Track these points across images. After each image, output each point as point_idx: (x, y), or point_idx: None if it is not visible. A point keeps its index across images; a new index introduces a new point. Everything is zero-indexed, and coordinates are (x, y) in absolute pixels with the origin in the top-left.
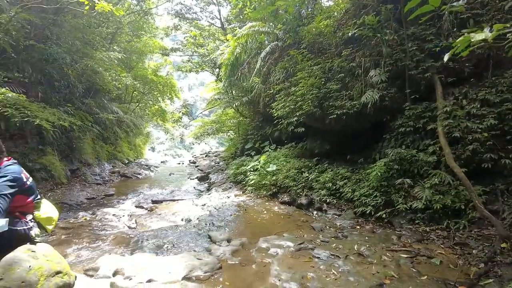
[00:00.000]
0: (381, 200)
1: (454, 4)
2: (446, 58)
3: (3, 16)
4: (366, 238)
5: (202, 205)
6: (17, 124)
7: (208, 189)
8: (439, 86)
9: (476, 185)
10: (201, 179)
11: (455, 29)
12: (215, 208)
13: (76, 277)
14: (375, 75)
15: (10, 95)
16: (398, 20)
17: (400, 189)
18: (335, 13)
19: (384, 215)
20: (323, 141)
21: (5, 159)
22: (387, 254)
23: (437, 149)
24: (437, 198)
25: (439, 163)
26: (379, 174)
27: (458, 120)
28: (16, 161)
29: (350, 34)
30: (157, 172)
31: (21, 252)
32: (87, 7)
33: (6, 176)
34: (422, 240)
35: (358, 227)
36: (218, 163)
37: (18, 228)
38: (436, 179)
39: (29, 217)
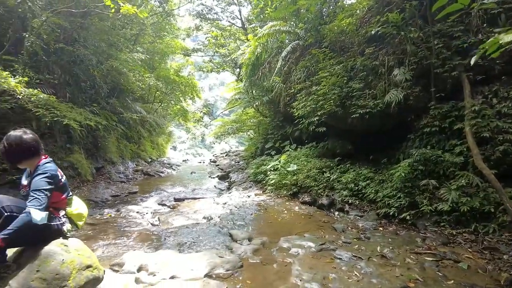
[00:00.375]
0: (405, 202)
1: (485, 1)
2: (473, 60)
3: (35, 21)
4: (389, 240)
5: (223, 204)
6: (47, 124)
7: (229, 188)
8: (467, 84)
9: (507, 188)
10: (221, 178)
11: (485, 24)
12: (235, 207)
13: (104, 271)
14: (399, 74)
15: (41, 96)
16: (423, 17)
17: (425, 190)
18: (358, 11)
19: (408, 217)
20: (345, 141)
21: (43, 157)
22: (411, 256)
23: (464, 149)
24: (464, 200)
25: (466, 164)
26: (403, 174)
27: (487, 120)
28: (51, 159)
29: (373, 32)
30: (179, 171)
31: (55, 246)
32: (112, 10)
33: (45, 173)
34: (448, 243)
35: (381, 228)
36: (238, 162)
37: (53, 223)
38: (463, 181)
39: (62, 213)
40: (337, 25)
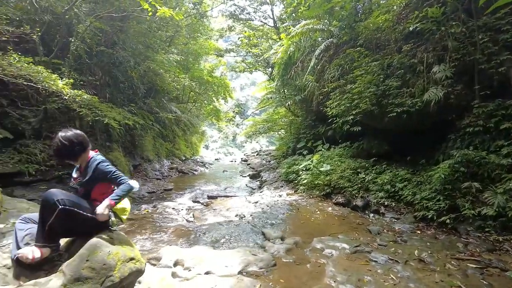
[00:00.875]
0: (444, 205)
1: None
2: None
3: (80, 26)
4: (428, 244)
5: (255, 202)
6: (89, 123)
7: (260, 187)
8: None
9: None
10: (253, 177)
11: None
12: (267, 206)
13: (146, 264)
14: (439, 71)
15: (85, 96)
16: (467, 11)
17: (467, 193)
18: (395, 7)
19: (448, 221)
20: (381, 141)
21: (92, 152)
22: (452, 262)
23: None
24: None
25: None
26: (442, 176)
27: None
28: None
29: (411, 28)
30: (211, 169)
31: (101, 238)
32: (150, 13)
33: (104, 160)
34: (494, 250)
35: (419, 232)
36: (269, 161)
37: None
38: (511, 184)
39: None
40: (372, 22)
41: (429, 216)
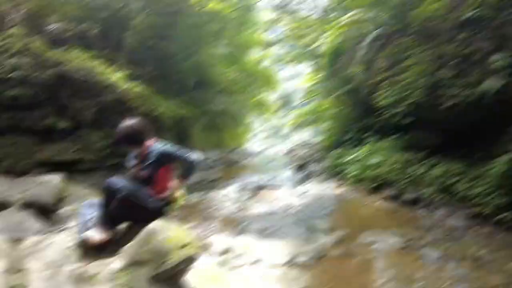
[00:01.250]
0: (503, 201)
1: None
2: None
3: (134, 22)
4: (484, 242)
5: (300, 194)
6: (142, 114)
7: (305, 179)
8: None
9: None
10: (298, 169)
11: None
12: (313, 198)
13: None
14: (498, 60)
15: (138, 88)
16: None
17: None
18: None
19: (507, 218)
20: (433, 133)
21: (153, 140)
22: None
23: None
24: None
25: None
26: (501, 171)
27: None
28: None
29: (466, 16)
30: (256, 160)
31: (158, 225)
32: (199, 8)
33: (167, 143)
34: None
35: (474, 229)
36: (315, 153)
37: (159, 205)
38: None
39: (164, 195)
40: (425, 10)
41: (486, 213)
